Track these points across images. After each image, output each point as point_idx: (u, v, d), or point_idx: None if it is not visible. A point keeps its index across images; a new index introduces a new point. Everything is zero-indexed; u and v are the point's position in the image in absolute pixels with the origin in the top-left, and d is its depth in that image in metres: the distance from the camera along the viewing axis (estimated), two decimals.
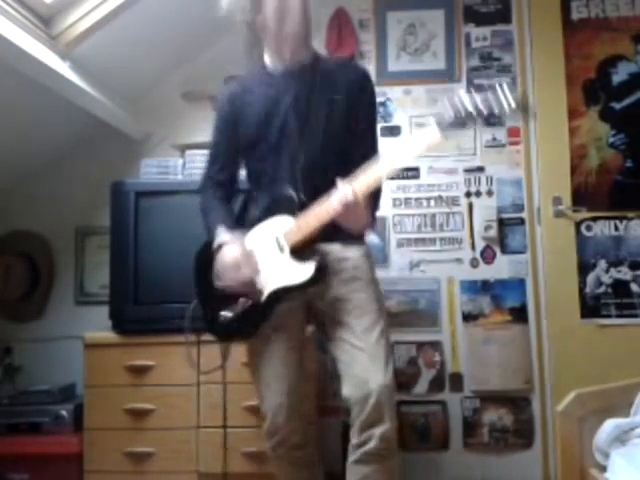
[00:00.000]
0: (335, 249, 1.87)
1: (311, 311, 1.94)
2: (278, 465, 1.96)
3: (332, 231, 1.78)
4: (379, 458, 1.74)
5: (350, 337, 1.80)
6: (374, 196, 1.85)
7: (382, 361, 1.77)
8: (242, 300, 1.85)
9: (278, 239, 1.83)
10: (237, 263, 1.82)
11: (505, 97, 1.59)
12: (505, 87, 1.59)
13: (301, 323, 1.95)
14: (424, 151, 1.72)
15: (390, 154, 1.73)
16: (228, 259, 1.83)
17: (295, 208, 1.81)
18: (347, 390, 1.77)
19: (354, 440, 1.76)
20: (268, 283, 1.83)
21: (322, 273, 1.78)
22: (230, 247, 1.84)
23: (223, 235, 1.87)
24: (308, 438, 1.94)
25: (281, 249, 1.83)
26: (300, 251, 1.80)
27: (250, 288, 1.83)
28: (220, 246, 1.86)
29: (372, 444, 1.72)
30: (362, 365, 1.76)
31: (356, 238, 1.91)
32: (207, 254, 1.94)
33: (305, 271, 1.78)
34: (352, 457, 1.77)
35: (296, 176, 1.86)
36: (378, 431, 1.72)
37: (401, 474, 1.84)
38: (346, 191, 1.69)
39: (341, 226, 1.76)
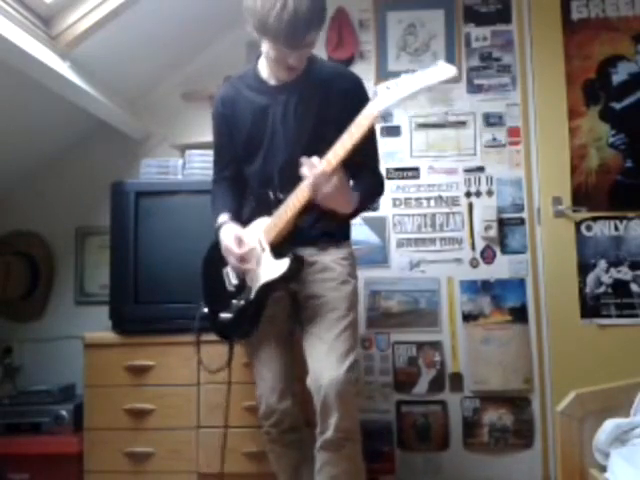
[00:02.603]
0: (310, 253, 1.94)
1: (296, 303, 2.01)
2: (273, 449, 2.03)
3: (310, 235, 1.90)
4: (336, 447, 1.81)
5: (315, 330, 1.89)
6: (366, 186, 1.88)
7: (338, 355, 1.82)
8: (235, 302, 1.96)
9: (260, 239, 1.91)
10: (227, 247, 1.92)
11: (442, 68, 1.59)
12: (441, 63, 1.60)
13: (288, 313, 2.02)
14: (368, 129, 1.69)
15: (346, 130, 1.71)
16: (223, 243, 1.94)
17: (272, 207, 1.90)
18: (308, 380, 1.85)
19: (318, 428, 1.84)
20: (255, 282, 1.92)
21: (297, 265, 1.86)
22: (224, 230, 1.95)
23: (220, 219, 1.99)
24: (302, 423, 2.02)
25: (262, 248, 1.90)
26: (279, 247, 1.88)
27: (244, 269, 1.92)
28: (219, 228, 1.98)
29: (328, 433, 1.80)
30: (319, 358, 1.84)
31: (334, 242, 1.98)
32: (211, 257, 2.06)
33: (281, 265, 1.86)
34: (317, 444, 1.85)
35: (274, 177, 1.93)
36: (332, 421, 1.79)
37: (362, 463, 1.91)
38: (315, 168, 1.71)
39: (323, 207, 1.78)
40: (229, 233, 1.94)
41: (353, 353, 1.86)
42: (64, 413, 2.49)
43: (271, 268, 1.88)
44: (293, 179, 1.81)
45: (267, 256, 1.89)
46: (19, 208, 3.01)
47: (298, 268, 1.86)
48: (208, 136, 2.84)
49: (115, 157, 2.98)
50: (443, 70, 1.58)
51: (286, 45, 1.78)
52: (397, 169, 2.91)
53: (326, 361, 1.81)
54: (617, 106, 2.87)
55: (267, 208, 1.91)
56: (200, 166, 2.75)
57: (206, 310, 2.07)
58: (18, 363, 2.87)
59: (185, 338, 2.31)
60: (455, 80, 2.92)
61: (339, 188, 1.74)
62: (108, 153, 2.99)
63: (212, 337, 2.15)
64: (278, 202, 1.88)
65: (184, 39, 2.86)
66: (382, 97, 1.65)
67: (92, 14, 2.35)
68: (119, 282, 2.46)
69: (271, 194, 1.90)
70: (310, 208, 1.81)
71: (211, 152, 2.73)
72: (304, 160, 1.74)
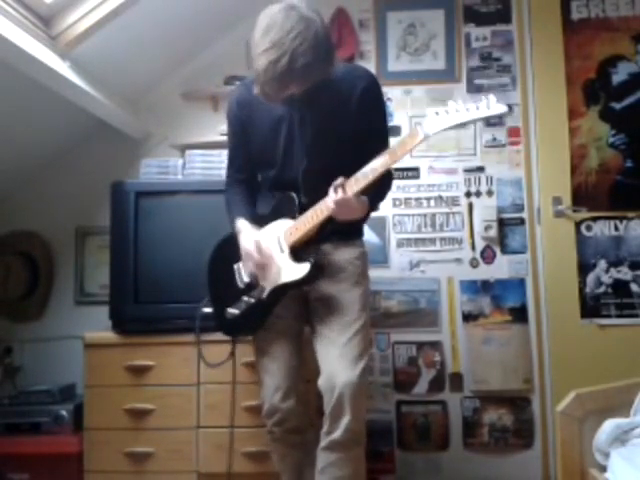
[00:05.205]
0: (326, 249, 1.95)
1: (306, 304, 2.02)
2: (276, 449, 2.04)
3: (324, 233, 1.89)
4: (343, 447, 1.84)
5: (327, 332, 1.90)
6: (377, 187, 1.88)
7: (352, 359, 1.85)
8: (246, 299, 1.96)
9: (279, 240, 1.92)
10: (248, 252, 1.92)
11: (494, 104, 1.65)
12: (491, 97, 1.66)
13: (297, 313, 2.02)
14: (410, 151, 1.78)
15: (380, 155, 1.78)
16: (242, 248, 1.94)
17: (296, 210, 1.90)
18: (320, 381, 1.87)
19: (324, 427, 1.86)
20: (270, 281, 1.93)
21: (317, 271, 1.87)
22: (242, 236, 1.95)
23: (239, 224, 1.97)
24: (306, 423, 2.03)
25: (282, 249, 1.91)
26: (299, 250, 1.89)
27: (263, 272, 1.93)
28: (239, 232, 1.97)
29: (337, 433, 1.82)
30: (332, 360, 1.86)
31: (348, 240, 2.00)
32: (219, 253, 2.07)
33: (301, 270, 1.87)
34: (321, 443, 1.87)
35: (298, 181, 1.93)
36: (343, 422, 1.81)
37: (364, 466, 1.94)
38: (338, 192, 1.77)
39: (337, 220, 1.83)
40: (249, 238, 1.93)
41: (366, 356, 1.89)
42: (64, 413, 2.49)
43: (289, 271, 1.89)
44: (316, 185, 1.84)
45: (286, 258, 1.90)
46: (19, 208, 3.00)
47: (317, 274, 1.88)
48: (208, 136, 2.86)
49: (115, 157, 2.98)
50: (494, 107, 1.63)
51: (262, 95, 1.79)
52: (397, 169, 2.90)
53: (340, 364, 1.83)
54: (617, 106, 2.87)
55: (290, 210, 1.92)
56: (200, 166, 2.76)
57: (207, 309, 2.08)
58: (18, 363, 2.87)
59: (185, 338, 2.31)
60: (455, 80, 2.94)
61: (357, 209, 1.81)
62: (108, 153, 2.99)
63: (213, 337, 2.16)
64: (302, 206, 1.89)
65: (184, 39, 2.86)
66: (430, 122, 1.68)
67: (92, 14, 2.35)
68: (119, 282, 2.46)
69: (296, 197, 1.91)
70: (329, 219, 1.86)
71: (211, 152, 2.77)
72: (331, 188, 1.78)
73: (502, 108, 1.64)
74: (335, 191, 1.77)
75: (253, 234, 1.94)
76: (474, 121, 1.69)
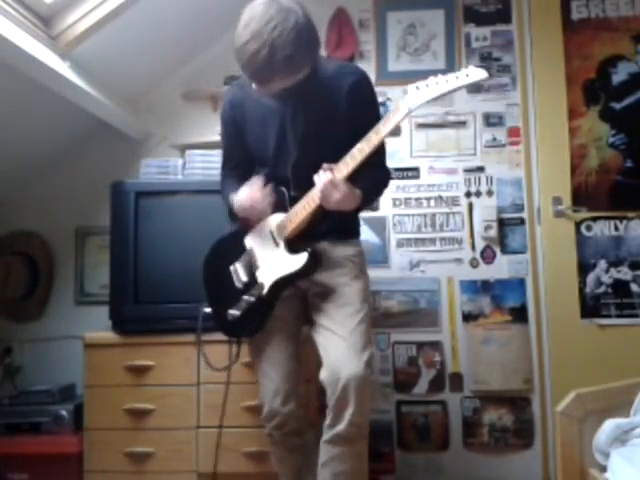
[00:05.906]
0: (323, 247, 1.95)
1: (305, 303, 2.02)
2: (275, 452, 2.04)
3: (321, 230, 1.90)
4: (347, 441, 1.82)
5: (330, 324, 1.89)
6: (372, 180, 1.90)
7: (357, 351, 1.83)
8: (246, 298, 1.95)
9: (273, 234, 1.93)
10: (248, 201, 1.91)
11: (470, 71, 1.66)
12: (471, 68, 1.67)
13: (296, 313, 2.02)
14: (394, 127, 1.78)
15: (366, 136, 1.77)
16: (243, 200, 1.92)
17: (286, 204, 1.91)
18: (323, 374, 1.85)
19: (327, 420, 1.85)
20: (268, 277, 1.93)
21: (315, 261, 1.87)
22: (240, 192, 1.93)
23: (232, 195, 1.96)
24: (306, 426, 2.02)
25: (276, 243, 1.92)
26: (294, 242, 1.90)
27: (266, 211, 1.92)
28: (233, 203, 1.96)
29: (341, 427, 1.80)
30: (337, 352, 1.84)
31: (345, 239, 2.00)
32: (213, 256, 2.07)
33: (299, 260, 1.87)
34: (324, 436, 1.86)
35: (288, 175, 1.93)
36: (347, 415, 1.79)
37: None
38: (325, 176, 1.76)
39: (329, 209, 1.82)
40: (243, 191, 1.93)
41: (369, 348, 1.87)
42: (64, 413, 2.49)
43: (287, 263, 1.89)
44: (306, 178, 1.83)
45: (282, 251, 1.90)
46: (19, 208, 3.00)
47: (315, 264, 1.87)
48: (208, 136, 2.86)
49: (115, 157, 2.98)
50: (473, 73, 1.64)
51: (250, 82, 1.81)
52: (397, 169, 2.91)
53: (344, 356, 1.81)
54: (617, 106, 2.87)
55: (281, 205, 1.92)
56: (200, 166, 2.76)
57: (208, 310, 2.08)
58: (18, 363, 2.87)
59: (185, 338, 2.31)
60: None
61: (346, 194, 1.78)
62: (108, 153, 2.99)
63: (213, 337, 2.16)
64: (292, 199, 1.90)
65: (184, 39, 2.86)
66: (411, 97, 1.69)
67: (92, 14, 2.35)
68: (119, 282, 2.46)
69: (285, 191, 1.92)
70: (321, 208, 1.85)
71: (211, 152, 2.76)
72: (320, 171, 1.78)
73: (482, 73, 1.64)
74: (322, 176, 1.77)
75: (246, 188, 1.93)
76: (455, 90, 1.68)
